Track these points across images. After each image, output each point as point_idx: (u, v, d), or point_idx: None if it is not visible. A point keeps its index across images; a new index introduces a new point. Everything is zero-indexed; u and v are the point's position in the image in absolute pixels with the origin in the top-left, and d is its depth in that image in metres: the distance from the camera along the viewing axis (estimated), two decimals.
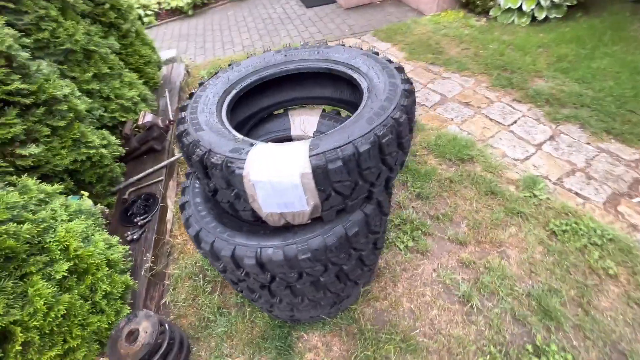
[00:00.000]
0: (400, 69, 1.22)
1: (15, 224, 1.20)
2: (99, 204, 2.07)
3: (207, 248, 1.07)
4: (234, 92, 1.30)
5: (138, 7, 5.71)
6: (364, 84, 1.20)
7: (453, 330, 1.55)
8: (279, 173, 0.87)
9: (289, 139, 1.58)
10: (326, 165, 0.88)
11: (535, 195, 2.04)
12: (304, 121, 1.56)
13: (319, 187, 0.92)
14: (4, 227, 1.15)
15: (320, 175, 0.89)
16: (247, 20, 5.28)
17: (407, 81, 1.14)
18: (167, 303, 1.82)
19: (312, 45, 1.46)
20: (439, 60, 3.45)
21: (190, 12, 5.88)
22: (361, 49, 1.40)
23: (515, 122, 2.62)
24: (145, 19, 5.79)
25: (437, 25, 4.04)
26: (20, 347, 1.13)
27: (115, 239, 1.72)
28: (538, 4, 3.62)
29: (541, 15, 3.64)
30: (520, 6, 3.67)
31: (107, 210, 2.11)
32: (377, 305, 1.68)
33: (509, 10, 3.78)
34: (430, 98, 3.01)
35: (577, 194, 2.06)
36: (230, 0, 6.07)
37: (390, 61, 1.28)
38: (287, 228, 1.06)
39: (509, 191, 2.10)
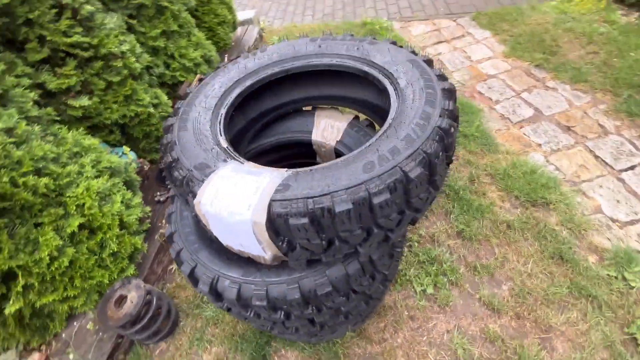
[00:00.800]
0: (450, 91, 0.89)
1: (35, 177, 1.29)
2: (141, 159, 2.21)
3: (205, 289, 0.89)
4: (245, 84, 1.13)
5: None
6: (393, 104, 0.91)
7: None
8: (230, 211, 0.70)
9: (308, 143, 1.37)
10: (288, 218, 0.67)
11: (624, 279, 1.51)
12: (329, 126, 1.33)
13: (279, 237, 0.73)
14: (22, 180, 1.23)
15: (282, 226, 0.70)
16: None
17: (451, 114, 0.82)
18: (173, 270, 1.90)
19: (354, 38, 1.18)
20: (548, 64, 2.71)
21: None
22: (413, 52, 1.07)
23: (632, 168, 1.93)
24: None
25: (563, 15, 3.15)
26: (21, 289, 1.26)
27: (137, 199, 1.80)
28: None
29: None
30: None
31: (146, 167, 2.24)
32: (367, 347, 1.48)
33: None
34: (518, 111, 2.41)
35: None
36: None
37: (442, 77, 0.95)
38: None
39: (586, 262, 1.58)
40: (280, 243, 0.74)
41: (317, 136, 1.34)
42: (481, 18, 3.43)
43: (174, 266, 1.90)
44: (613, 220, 1.74)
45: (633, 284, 1.48)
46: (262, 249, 0.75)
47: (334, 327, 1.28)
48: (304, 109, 1.46)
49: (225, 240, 0.80)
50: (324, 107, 1.43)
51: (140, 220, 1.82)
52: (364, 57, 1.10)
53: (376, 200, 0.67)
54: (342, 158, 0.76)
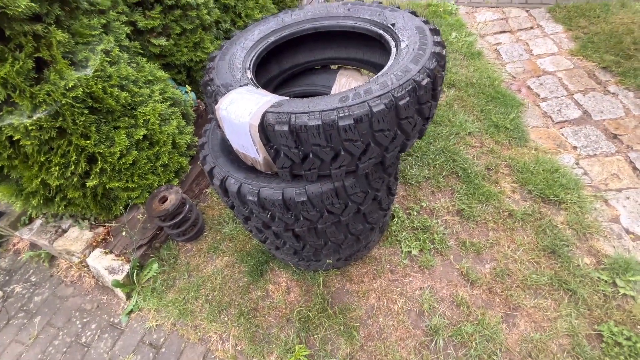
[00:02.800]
0: (438, 55, 1.02)
1: (119, 90, 1.69)
2: (199, 99, 2.60)
3: (217, 183, 1.16)
4: (280, 35, 1.36)
5: None
6: (392, 59, 1.07)
7: (397, 350, 1.47)
8: (236, 114, 0.96)
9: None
10: (274, 125, 0.91)
11: (615, 285, 1.50)
12: (347, 84, 1.51)
13: (269, 143, 0.97)
14: (110, 90, 1.64)
15: (271, 132, 0.93)
16: None
17: (430, 73, 0.96)
18: (207, 193, 2.29)
19: (379, 6, 1.33)
20: (617, 67, 2.48)
21: None
22: (425, 21, 1.19)
23: None
24: None
25: None
26: (99, 171, 1.70)
27: (189, 129, 2.19)
28: None
29: None
30: None
31: (202, 107, 2.64)
32: (346, 284, 1.70)
33: None
34: (564, 111, 2.30)
35: None
36: None
37: (438, 44, 1.07)
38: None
39: (580, 261, 1.59)
40: (269, 149, 0.98)
41: (335, 91, 1.53)
42: (559, 11, 3.18)
43: (209, 190, 2.29)
44: (627, 232, 1.68)
45: (622, 290, 1.47)
46: (257, 150, 1.00)
47: (318, 254, 1.52)
48: (331, 67, 1.65)
49: (233, 141, 1.06)
50: (347, 67, 1.60)
51: (189, 147, 2.22)
52: (382, 22, 1.25)
53: (341, 123, 0.87)
54: (330, 93, 0.96)
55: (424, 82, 0.94)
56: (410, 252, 1.75)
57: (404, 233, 1.82)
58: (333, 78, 1.58)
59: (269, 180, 1.11)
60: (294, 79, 1.65)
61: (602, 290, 1.48)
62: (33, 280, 2.10)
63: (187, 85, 2.45)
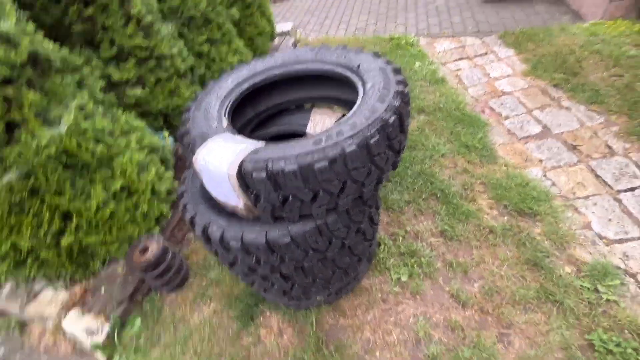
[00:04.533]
0: (401, 93, 1.10)
1: (94, 144, 1.69)
2: (178, 143, 2.61)
3: (199, 232, 1.15)
4: (252, 81, 1.42)
5: None
6: (359, 100, 1.14)
7: None
8: (214, 165, 0.97)
9: (304, 134, 1.63)
10: (252, 172, 0.93)
11: (597, 291, 1.54)
12: (321, 121, 1.58)
13: (249, 190, 0.99)
14: (85, 144, 1.63)
15: (250, 179, 0.95)
16: (373, 2, 5.18)
17: (396, 110, 1.03)
18: (190, 238, 2.24)
19: (344, 49, 1.43)
20: (566, 84, 2.72)
21: None
22: (387, 62, 1.29)
23: (632, 189, 1.92)
24: None
25: (593, 37, 3.11)
26: (74, 228, 1.65)
27: (168, 174, 2.17)
28: None
29: None
30: None
31: (181, 151, 2.64)
32: (340, 319, 1.66)
33: None
34: (526, 127, 2.46)
35: None
36: None
37: (400, 82, 1.15)
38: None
39: (561, 271, 1.64)
40: (250, 194, 1.00)
41: (310, 129, 1.59)
42: (508, 37, 3.49)
43: (191, 235, 2.24)
44: (600, 237, 1.76)
45: (604, 296, 1.52)
46: (237, 197, 1.01)
47: (307, 292, 1.50)
48: (305, 106, 1.72)
49: (213, 190, 1.07)
50: (321, 105, 1.68)
51: (169, 192, 2.19)
52: (347, 64, 1.34)
53: (317, 166, 0.90)
54: (303, 137, 1.00)
55: (391, 120, 1.00)
56: (399, 278, 1.75)
57: (392, 260, 1.83)
58: (308, 116, 1.65)
59: (252, 224, 1.12)
60: (270, 119, 1.71)
61: (587, 298, 1.53)
62: (1, 353, 1.92)
63: (164, 131, 2.46)
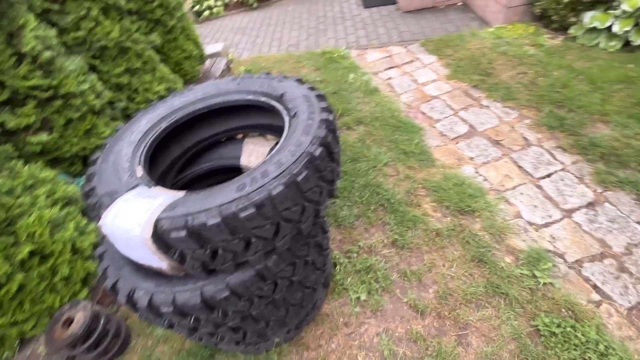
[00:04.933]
0: (327, 122, 1.07)
1: None
2: None
3: (123, 299, 1.00)
4: (171, 120, 1.30)
5: None
6: (285, 133, 1.09)
7: None
8: (124, 229, 0.85)
9: (239, 168, 1.54)
10: (169, 232, 0.82)
11: (535, 276, 1.66)
12: (254, 151, 1.50)
13: (171, 249, 0.88)
14: None
15: (169, 239, 0.84)
16: (302, 18, 5.27)
17: (323, 141, 1.00)
18: None
19: (267, 77, 1.38)
20: (483, 84, 2.99)
21: (254, 5, 6.09)
22: (310, 88, 1.26)
23: (548, 175, 2.14)
24: (215, 10, 6.19)
25: (498, 40, 3.48)
26: None
27: (93, 226, 1.92)
28: (637, 24, 2.84)
29: (632, 39, 2.86)
30: (610, 26, 2.93)
31: None
32: (304, 354, 1.58)
33: (594, 30, 3.05)
34: (455, 128, 2.64)
35: (595, 287, 1.62)
36: None
37: (325, 110, 1.13)
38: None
39: (504, 262, 1.74)
40: (172, 255, 0.89)
41: (244, 161, 1.51)
42: (429, 45, 3.76)
43: None
44: (530, 224, 1.92)
45: (541, 280, 1.64)
46: (158, 260, 0.89)
47: (263, 335, 1.40)
48: (237, 136, 1.63)
49: (130, 255, 0.93)
50: (253, 134, 1.60)
51: (95, 246, 1.93)
52: (271, 93, 1.29)
53: (243, 214, 0.83)
54: (226, 182, 0.92)
55: (318, 152, 0.96)
56: (359, 297, 1.72)
57: (349, 279, 1.80)
58: (240, 147, 1.56)
59: (184, 283, 1.00)
60: (200, 155, 1.59)
61: (527, 285, 1.64)
62: None
63: (84, 177, 2.18)
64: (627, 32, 2.89)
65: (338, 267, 1.85)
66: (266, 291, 1.08)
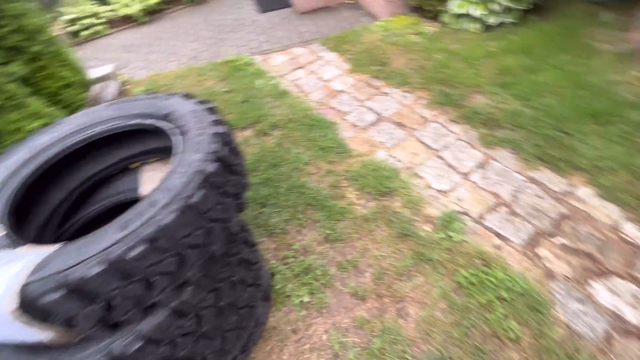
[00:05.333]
0: (220, 135, 1.02)
1: None
2: None
3: None
4: (39, 161, 1.11)
5: (88, 16, 5.44)
6: (174, 154, 1.01)
7: None
8: None
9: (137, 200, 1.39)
10: (43, 296, 0.69)
11: (450, 237, 1.86)
12: (152, 179, 1.37)
13: (52, 316, 0.74)
14: None
15: (46, 304, 0.71)
16: (199, 28, 5.04)
17: (217, 156, 0.95)
18: None
19: (151, 96, 1.26)
20: (382, 73, 3.24)
21: (143, 20, 5.61)
22: (199, 102, 1.19)
23: (446, 146, 2.43)
24: (97, 28, 5.53)
25: (388, 32, 3.81)
26: None
27: None
28: (488, 9, 3.39)
29: (492, 21, 3.41)
30: (469, 12, 3.44)
31: None
32: None
33: (461, 15, 3.55)
34: (364, 118, 2.81)
35: (497, 234, 1.88)
36: (186, 5, 5.80)
37: (217, 122, 1.08)
38: None
39: (424, 232, 1.92)
40: (56, 322, 0.75)
41: (144, 191, 1.36)
42: (329, 42, 3.93)
43: None
44: (439, 192, 2.15)
45: (455, 239, 1.85)
46: (36, 333, 0.74)
47: None
48: (132, 166, 1.47)
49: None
50: (150, 160, 1.46)
51: None
52: (157, 113, 1.18)
53: (132, 254, 0.74)
54: (109, 223, 0.81)
55: (213, 169, 0.91)
56: (302, 301, 1.71)
57: (290, 285, 1.77)
58: (137, 178, 1.41)
59: (83, 348, 0.85)
60: (91, 194, 1.39)
61: (445, 246, 1.83)
62: None
63: None
64: (484, 15, 3.43)
65: (277, 276, 1.81)
66: (190, 327, 0.99)
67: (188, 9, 5.80)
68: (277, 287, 1.77)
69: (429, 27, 3.74)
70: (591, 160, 2.08)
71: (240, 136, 2.76)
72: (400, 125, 2.67)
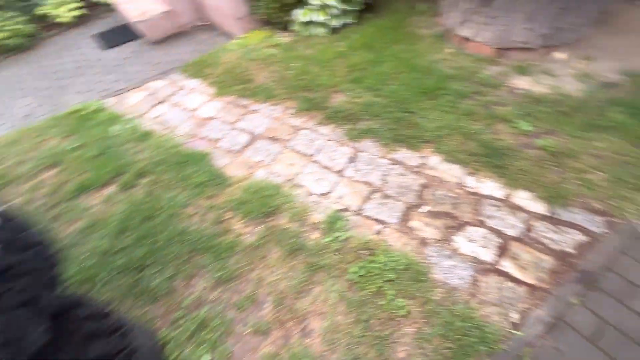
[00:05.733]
0: None
1: None
2: None
3: None
4: None
5: None
6: None
7: None
8: None
9: None
10: None
11: (336, 238, 1.93)
12: None
13: None
14: None
15: None
16: (30, 79, 4.23)
17: None
18: None
19: None
20: (247, 91, 3.20)
21: None
22: None
23: (319, 149, 2.52)
24: None
25: (246, 48, 3.80)
26: None
27: None
28: (330, 13, 3.67)
29: (335, 24, 3.71)
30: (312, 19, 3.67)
31: None
32: None
33: (309, 23, 3.76)
34: (238, 140, 2.73)
35: (376, 220, 2.02)
36: (8, 55, 4.81)
37: None
38: None
39: (313, 240, 1.94)
40: None
41: None
42: (189, 69, 3.72)
43: None
44: (321, 195, 2.21)
45: (342, 237, 1.91)
46: None
47: None
48: None
49: None
50: None
51: None
52: None
53: None
54: None
55: None
56: None
57: (187, 349, 1.59)
58: None
59: None
60: None
61: (334, 248, 1.88)
62: None
63: None
64: (327, 19, 3.70)
65: (170, 344, 1.60)
66: None
67: (11, 59, 4.82)
68: (172, 356, 1.56)
69: (283, 38, 3.87)
70: (433, 132, 2.42)
71: (99, 196, 2.38)
72: (274, 139, 2.67)
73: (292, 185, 2.29)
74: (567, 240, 1.77)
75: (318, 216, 2.07)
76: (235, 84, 3.32)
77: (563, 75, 2.72)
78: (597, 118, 2.28)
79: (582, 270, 1.64)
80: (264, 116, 2.91)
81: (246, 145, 2.67)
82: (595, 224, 1.81)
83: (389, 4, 4.06)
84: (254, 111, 3.00)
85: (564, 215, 1.87)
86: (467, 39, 3.09)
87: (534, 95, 2.57)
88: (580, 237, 1.78)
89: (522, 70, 2.81)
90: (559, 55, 2.88)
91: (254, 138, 2.73)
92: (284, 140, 2.64)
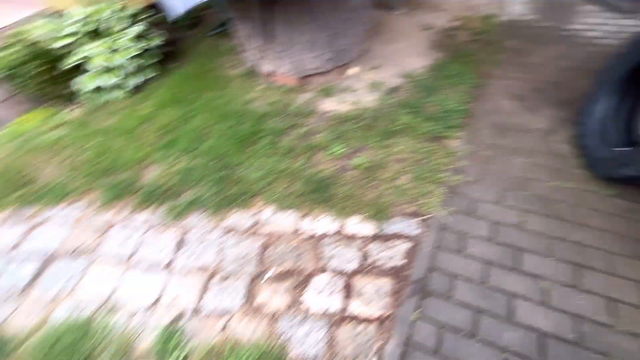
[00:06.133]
0: None
1: None
2: None
3: None
4: None
5: None
6: None
7: None
8: None
9: None
10: None
11: None
12: None
13: None
14: None
15: None
16: None
17: None
18: None
19: None
20: (31, 196, 2.46)
21: None
22: None
23: (137, 245, 2.07)
24: None
25: (22, 137, 2.97)
26: None
27: None
28: (123, 72, 3.19)
29: (134, 82, 3.26)
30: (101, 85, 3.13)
31: None
32: None
33: (99, 89, 3.18)
34: (20, 275, 2.01)
35: (219, 312, 1.73)
36: None
37: None
38: None
39: None
40: None
41: None
42: None
43: None
44: (147, 309, 1.78)
45: (180, 358, 1.55)
46: None
47: None
48: None
49: None
50: None
51: None
52: None
53: None
54: None
55: None
56: None
57: None
58: None
59: None
60: None
61: None
62: None
63: None
64: (122, 80, 3.20)
65: None
66: None
67: None
68: None
69: (71, 113, 3.18)
70: (258, 182, 2.28)
71: None
72: (75, 254, 2.08)
73: (108, 311, 1.79)
74: (397, 253, 1.86)
75: (147, 341, 1.65)
76: (10, 191, 2.52)
77: (360, 89, 3.00)
78: (391, 124, 2.56)
79: (414, 281, 1.73)
80: (59, 224, 2.26)
81: (35, 277, 2.00)
82: (412, 227, 1.96)
83: (192, 48, 3.84)
84: (45, 221, 2.30)
85: (389, 228, 1.97)
86: (272, 72, 3.12)
87: (341, 115, 2.73)
88: (405, 245, 1.89)
89: (327, 92, 2.98)
90: (352, 70, 3.18)
91: (47, 261, 2.07)
92: (89, 251, 2.08)
